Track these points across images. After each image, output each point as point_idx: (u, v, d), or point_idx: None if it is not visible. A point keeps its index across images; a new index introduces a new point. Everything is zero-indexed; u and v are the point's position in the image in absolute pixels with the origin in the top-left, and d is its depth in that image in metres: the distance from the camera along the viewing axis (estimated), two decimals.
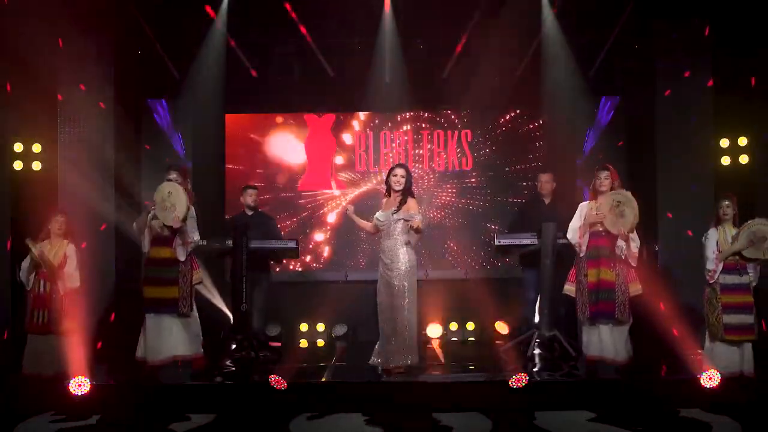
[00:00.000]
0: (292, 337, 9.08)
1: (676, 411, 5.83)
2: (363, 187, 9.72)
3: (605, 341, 6.46)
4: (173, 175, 6.49)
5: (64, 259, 6.74)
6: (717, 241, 6.48)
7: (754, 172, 8.22)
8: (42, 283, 6.72)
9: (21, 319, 7.03)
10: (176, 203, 6.38)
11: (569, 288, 6.70)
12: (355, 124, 9.79)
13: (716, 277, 6.47)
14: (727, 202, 6.56)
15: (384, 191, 6.79)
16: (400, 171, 6.61)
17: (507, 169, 9.61)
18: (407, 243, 6.55)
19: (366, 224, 6.83)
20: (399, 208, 6.52)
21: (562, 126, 9.17)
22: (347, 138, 9.77)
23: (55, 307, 6.70)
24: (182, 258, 6.51)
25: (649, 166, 8.52)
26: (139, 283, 6.49)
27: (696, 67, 8.34)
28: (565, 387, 6.23)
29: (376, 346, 6.63)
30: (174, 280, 6.44)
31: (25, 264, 6.76)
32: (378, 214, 6.63)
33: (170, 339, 6.42)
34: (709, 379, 5.83)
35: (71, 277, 6.83)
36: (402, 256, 6.50)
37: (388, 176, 6.66)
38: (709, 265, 6.49)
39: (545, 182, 7.98)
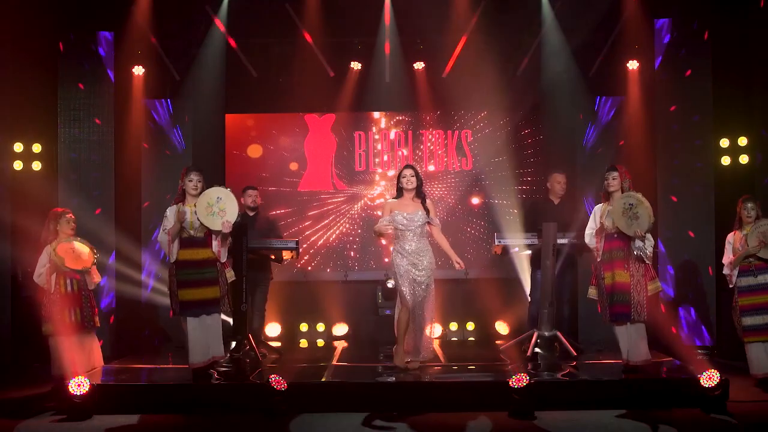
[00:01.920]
0: (292, 337, 9.09)
1: (676, 411, 5.83)
2: (363, 187, 9.73)
3: (624, 341, 6.45)
4: (195, 177, 6.46)
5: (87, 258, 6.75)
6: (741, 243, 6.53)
7: (754, 172, 8.23)
8: (70, 282, 6.70)
9: (28, 321, 6.99)
10: (226, 209, 6.38)
11: (592, 291, 6.69)
12: (356, 124, 9.79)
13: (734, 280, 6.50)
14: (751, 204, 6.57)
15: (394, 193, 6.82)
16: (408, 171, 6.68)
17: (506, 168, 9.60)
18: (425, 242, 6.66)
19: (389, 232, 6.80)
20: (427, 211, 6.62)
21: (562, 126, 9.17)
22: (347, 138, 9.77)
23: (87, 305, 6.75)
24: (224, 259, 6.53)
25: (649, 166, 8.53)
26: (170, 287, 6.40)
27: (696, 67, 8.35)
28: (565, 387, 6.22)
29: (397, 341, 6.65)
30: (215, 280, 6.41)
31: (44, 267, 6.68)
32: (399, 216, 6.60)
33: (213, 339, 6.40)
34: (709, 379, 5.82)
35: (96, 274, 6.88)
36: (430, 256, 6.62)
37: (398, 179, 6.72)
38: (725, 270, 6.59)
39: (557, 183, 7.91)
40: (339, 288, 9.34)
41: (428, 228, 6.72)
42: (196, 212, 6.33)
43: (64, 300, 6.65)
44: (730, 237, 6.67)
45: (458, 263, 6.71)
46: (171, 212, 6.35)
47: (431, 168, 9.71)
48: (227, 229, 6.37)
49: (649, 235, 6.46)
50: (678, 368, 6.72)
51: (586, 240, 6.68)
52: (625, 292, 6.41)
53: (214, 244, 6.43)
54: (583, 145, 9.04)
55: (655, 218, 6.52)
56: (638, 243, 6.40)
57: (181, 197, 6.45)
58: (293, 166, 9.72)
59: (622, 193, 6.50)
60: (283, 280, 9.23)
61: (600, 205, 6.66)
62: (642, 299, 6.40)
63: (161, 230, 6.36)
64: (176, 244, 6.31)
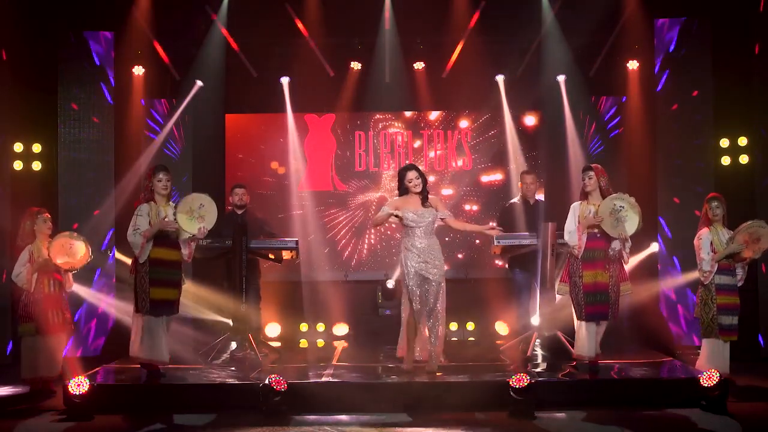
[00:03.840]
0: (292, 337, 9.08)
1: (676, 411, 5.83)
2: (363, 187, 9.73)
3: (591, 339, 6.46)
4: (165, 176, 6.45)
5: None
6: (711, 242, 6.49)
7: (754, 172, 8.23)
8: (52, 282, 6.70)
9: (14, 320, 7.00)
10: (206, 216, 6.45)
11: (562, 288, 6.67)
12: (356, 124, 9.79)
13: (711, 277, 6.49)
14: (716, 203, 6.58)
15: (394, 192, 6.79)
16: (413, 173, 6.56)
17: (506, 168, 9.59)
18: (433, 241, 6.60)
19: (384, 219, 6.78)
20: (430, 206, 6.54)
21: (562, 126, 9.16)
22: (347, 138, 9.77)
23: (65, 307, 6.75)
24: (189, 260, 6.59)
25: (650, 166, 8.53)
26: (140, 284, 6.39)
27: (696, 67, 8.35)
28: (565, 387, 6.23)
29: (407, 343, 6.62)
30: (178, 283, 6.50)
31: (24, 266, 6.66)
32: (408, 213, 6.52)
33: (166, 340, 6.43)
34: (709, 378, 5.82)
35: (70, 281, 6.85)
36: (439, 254, 6.55)
37: (401, 179, 6.61)
38: (705, 266, 6.51)
39: (530, 183, 7.94)
40: (339, 288, 9.33)
41: (445, 221, 6.65)
42: (175, 214, 6.36)
43: (47, 300, 6.64)
44: (704, 234, 6.62)
45: (492, 229, 6.92)
46: (144, 211, 6.35)
47: (431, 168, 9.70)
48: (202, 235, 6.47)
49: (628, 238, 6.45)
50: (678, 368, 6.72)
51: (566, 238, 6.62)
52: (605, 293, 6.43)
53: (183, 246, 6.46)
54: (583, 144, 9.05)
55: (650, 221, 6.50)
56: (616, 245, 6.40)
57: (150, 196, 6.44)
58: (293, 166, 9.69)
59: (601, 192, 6.49)
60: (284, 280, 9.23)
61: (577, 203, 6.64)
62: (616, 300, 6.46)
63: (133, 230, 6.33)
64: (150, 243, 6.34)
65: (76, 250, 6.71)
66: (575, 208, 6.62)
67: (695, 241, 6.62)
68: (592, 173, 6.52)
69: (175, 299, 6.46)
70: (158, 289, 6.34)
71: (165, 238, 6.37)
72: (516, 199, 8.03)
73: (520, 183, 8.05)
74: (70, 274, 6.82)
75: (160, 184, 6.42)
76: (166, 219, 6.31)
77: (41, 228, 6.72)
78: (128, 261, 7.99)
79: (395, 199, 6.71)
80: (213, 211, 6.48)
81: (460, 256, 9.59)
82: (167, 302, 6.39)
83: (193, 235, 6.43)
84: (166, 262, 6.39)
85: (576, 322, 6.57)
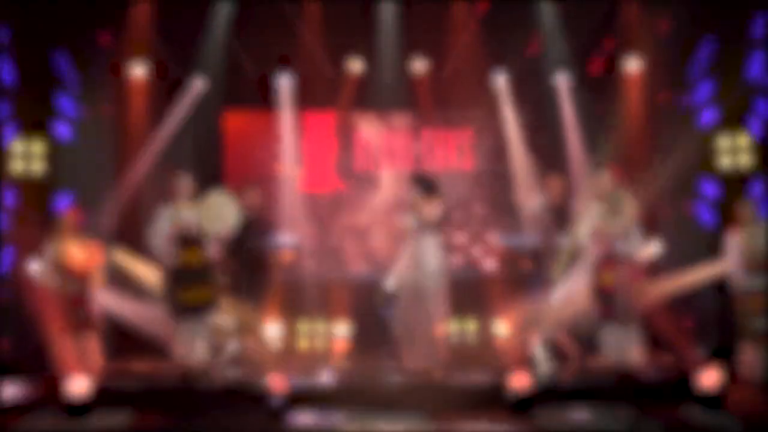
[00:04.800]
0: (292, 337, 9.08)
1: (676, 410, 5.83)
2: (362, 187, 9.73)
3: (614, 342, 6.43)
4: (188, 180, 6.49)
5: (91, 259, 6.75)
6: (739, 245, 6.48)
7: (755, 173, 8.21)
8: (75, 281, 6.71)
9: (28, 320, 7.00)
10: (229, 215, 6.58)
11: (580, 291, 6.68)
12: (356, 124, 9.79)
13: (742, 280, 6.46)
14: (745, 206, 6.58)
15: (398, 194, 6.85)
16: (423, 183, 6.71)
17: (506, 168, 9.59)
18: (439, 243, 6.56)
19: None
20: (433, 209, 6.56)
21: (562, 126, 9.16)
22: (347, 138, 9.77)
23: (90, 305, 6.77)
24: (218, 259, 6.65)
25: (650, 166, 8.52)
26: (169, 290, 6.39)
27: (696, 67, 8.35)
28: (565, 387, 6.23)
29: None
30: (210, 282, 6.50)
31: (47, 265, 6.68)
32: (406, 216, 6.57)
33: (206, 342, 6.46)
34: (709, 378, 5.82)
35: (101, 276, 6.89)
36: (436, 258, 6.54)
37: (412, 185, 6.73)
38: (734, 269, 6.50)
39: (555, 187, 7.90)
40: (339, 288, 9.33)
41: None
42: (201, 213, 6.40)
43: (74, 300, 6.65)
44: (732, 237, 6.60)
45: None
46: (164, 215, 6.37)
47: (431, 168, 9.70)
48: (226, 234, 6.54)
49: (637, 234, 6.43)
50: (678, 368, 6.72)
51: (578, 239, 6.63)
52: (610, 293, 6.39)
53: (208, 246, 6.48)
54: (584, 143, 9.05)
55: (650, 221, 6.50)
56: (621, 244, 6.38)
57: (169, 198, 6.48)
58: (292, 166, 9.69)
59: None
60: (284, 280, 9.22)
61: (590, 203, 6.63)
62: (627, 300, 6.38)
63: (152, 233, 6.35)
64: (175, 246, 6.34)
65: (90, 253, 6.73)
66: (590, 209, 6.61)
67: (724, 246, 6.63)
68: (605, 173, 6.53)
69: (209, 299, 6.48)
70: (187, 292, 6.36)
71: (187, 240, 6.39)
72: (539, 202, 7.98)
73: (546, 185, 7.96)
74: (99, 274, 6.84)
75: (182, 185, 6.47)
76: (182, 221, 6.34)
77: (61, 229, 6.76)
78: (129, 263, 8.09)
79: (410, 203, 6.71)
80: (234, 211, 6.53)
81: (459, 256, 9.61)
82: (199, 305, 6.37)
83: (218, 234, 6.46)
84: (192, 263, 6.41)
85: None
